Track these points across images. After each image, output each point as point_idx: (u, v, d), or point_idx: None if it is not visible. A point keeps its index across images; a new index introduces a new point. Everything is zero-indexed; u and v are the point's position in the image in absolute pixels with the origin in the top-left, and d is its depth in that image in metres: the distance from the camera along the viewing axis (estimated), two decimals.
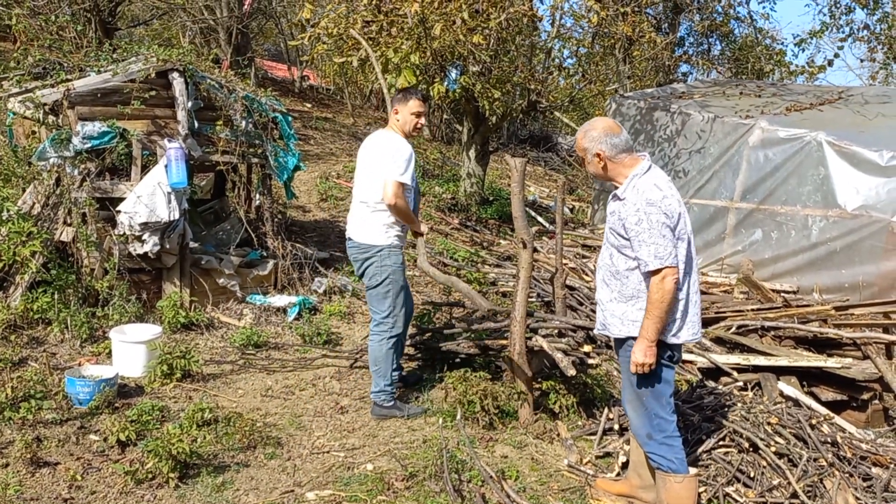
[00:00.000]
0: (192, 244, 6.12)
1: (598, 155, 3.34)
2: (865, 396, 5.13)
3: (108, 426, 3.89)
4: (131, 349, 4.91)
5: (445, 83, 7.61)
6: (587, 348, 4.58)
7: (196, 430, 4.00)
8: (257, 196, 6.86)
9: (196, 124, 5.95)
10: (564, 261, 6.47)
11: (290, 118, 6.71)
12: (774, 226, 7.94)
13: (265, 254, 6.65)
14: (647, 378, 3.36)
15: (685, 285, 3.28)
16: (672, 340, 3.30)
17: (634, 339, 3.33)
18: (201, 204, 7.37)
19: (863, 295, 7.02)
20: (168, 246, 5.68)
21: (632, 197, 3.25)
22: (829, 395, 5.20)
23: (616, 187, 3.39)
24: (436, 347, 5.12)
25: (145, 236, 5.54)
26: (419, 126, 4.48)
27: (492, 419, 4.42)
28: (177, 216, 5.62)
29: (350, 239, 4.57)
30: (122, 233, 5.52)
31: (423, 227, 4.64)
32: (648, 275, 3.22)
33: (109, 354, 5.00)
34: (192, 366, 4.86)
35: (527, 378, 4.46)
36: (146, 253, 5.59)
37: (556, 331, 4.85)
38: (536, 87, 8.75)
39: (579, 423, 4.60)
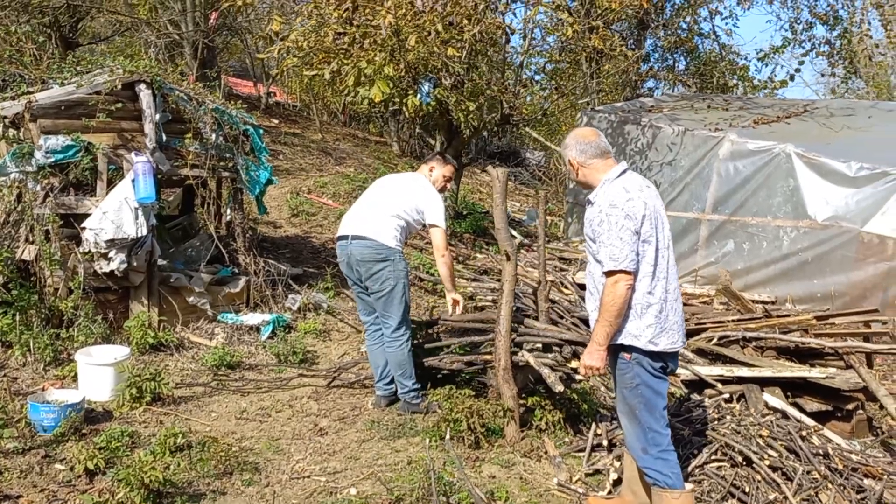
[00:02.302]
0: (161, 261, 5.93)
1: (571, 162, 3.42)
2: (850, 406, 5.13)
3: (74, 454, 3.67)
4: (98, 372, 4.69)
5: (419, 96, 7.52)
6: (574, 364, 4.48)
7: (169, 457, 3.80)
8: (228, 211, 6.68)
9: (164, 137, 5.77)
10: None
11: (261, 131, 6.56)
12: (746, 237, 7.99)
13: (237, 271, 6.47)
14: (640, 390, 3.28)
15: (656, 290, 3.22)
16: (649, 347, 3.22)
17: (622, 348, 3.27)
18: (169, 220, 7.17)
19: (835, 304, 7.07)
20: (135, 263, 5.48)
21: (599, 201, 3.29)
22: (813, 405, 5.18)
23: None
24: (418, 363, 4.99)
25: (111, 254, 5.34)
26: (446, 188, 5.05)
27: (478, 438, 4.29)
28: (144, 232, 5.43)
29: (363, 238, 4.58)
30: (87, 250, 5.32)
31: (453, 296, 4.77)
32: (604, 276, 3.18)
33: (75, 378, 4.78)
34: (163, 388, 4.66)
35: (513, 394, 4.35)
36: (112, 271, 5.38)
37: (539, 345, 4.75)
38: (510, 100, 8.72)
39: (566, 439, 4.50)
